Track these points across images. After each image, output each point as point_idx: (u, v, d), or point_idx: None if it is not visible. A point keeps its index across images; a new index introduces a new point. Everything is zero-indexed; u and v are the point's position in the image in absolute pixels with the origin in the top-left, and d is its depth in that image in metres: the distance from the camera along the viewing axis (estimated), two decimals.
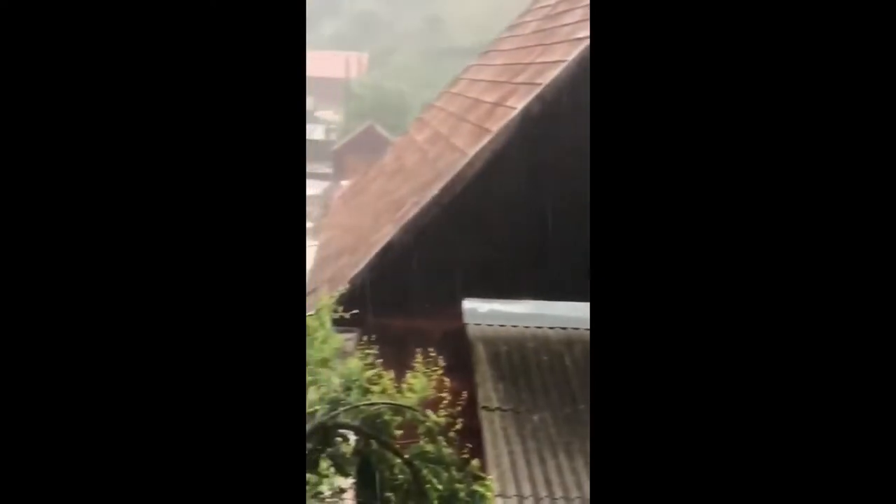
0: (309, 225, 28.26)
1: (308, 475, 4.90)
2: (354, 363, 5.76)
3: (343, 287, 6.53)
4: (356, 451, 5.62)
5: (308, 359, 5.36)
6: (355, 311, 5.94)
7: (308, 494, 4.93)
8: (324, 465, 5.00)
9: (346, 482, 5.43)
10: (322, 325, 5.58)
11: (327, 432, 5.49)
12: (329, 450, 5.51)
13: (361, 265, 7.39)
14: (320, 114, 57.00)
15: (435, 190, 7.44)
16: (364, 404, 5.57)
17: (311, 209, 33.69)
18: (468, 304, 7.31)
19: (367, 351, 5.90)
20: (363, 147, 36.66)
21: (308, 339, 5.43)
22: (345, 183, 22.98)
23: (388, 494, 5.37)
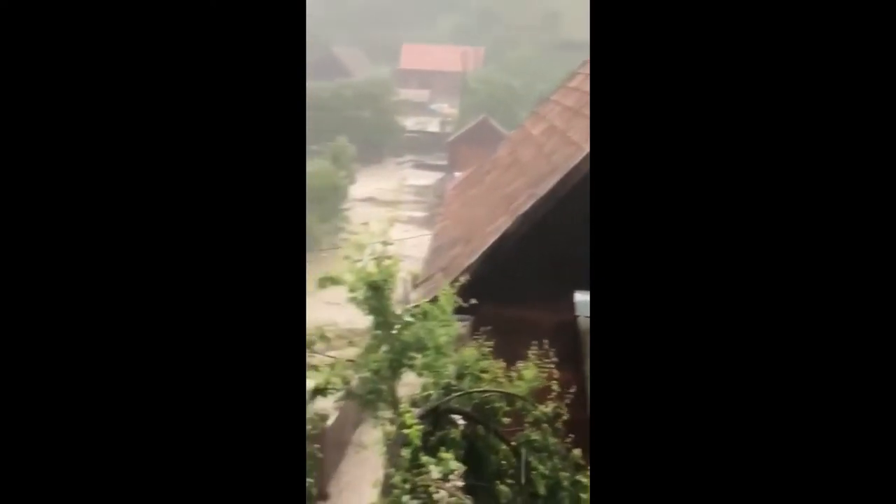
0: (422, 214, 28.62)
1: (423, 457, 4.99)
2: (469, 352, 5.81)
3: (461, 276, 6.59)
4: (464, 436, 5.69)
5: (427, 344, 5.46)
6: (472, 301, 5.98)
7: (419, 475, 5.02)
8: (443, 450, 5.08)
9: (454, 465, 5.51)
10: (442, 311, 5.65)
11: (439, 416, 5.57)
12: (439, 433, 5.59)
13: (476, 255, 7.43)
14: (436, 106, 57.47)
15: (550, 183, 7.41)
16: (476, 391, 5.62)
17: (424, 198, 34.08)
18: (580, 297, 7.25)
19: (480, 340, 5.96)
20: (477, 139, 36.76)
21: (428, 324, 5.53)
22: (458, 174, 23.20)
23: (499, 483, 5.42)
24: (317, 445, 6.14)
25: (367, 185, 32.28)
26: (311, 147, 37.88)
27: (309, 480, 6.52)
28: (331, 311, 17.35)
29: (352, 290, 5.60)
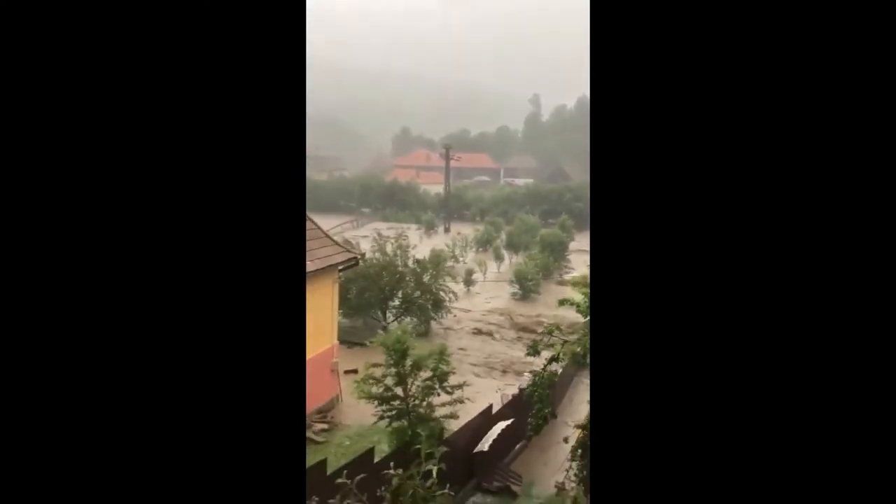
0: None
1: None
2: None
3: None
4: None
5: None
6: None
7: None
8: None
9: None
10: None
11: None
12: None
13: None
14: None
15: None
16: None
17: None
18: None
19: None
20: None
21: None
22: None
23: None
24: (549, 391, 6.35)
25: (581, 242, 31.93)
26: (548, 221, 38.39)
27: (545, 408, 6.75)
28: (554, 313, 17.34)
29: (578, 306, 5.83)
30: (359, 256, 13.43)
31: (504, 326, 17.94)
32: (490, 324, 18.09)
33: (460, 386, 8.55)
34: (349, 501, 2.88)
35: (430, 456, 3.42)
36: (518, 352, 15.21)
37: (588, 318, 5.82)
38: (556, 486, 6.40)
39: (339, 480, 2.87)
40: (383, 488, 3.11)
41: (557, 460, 8.67)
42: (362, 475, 2.95)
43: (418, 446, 3.44)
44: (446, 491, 3.04)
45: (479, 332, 17.27)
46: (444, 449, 3.13)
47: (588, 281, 5.90)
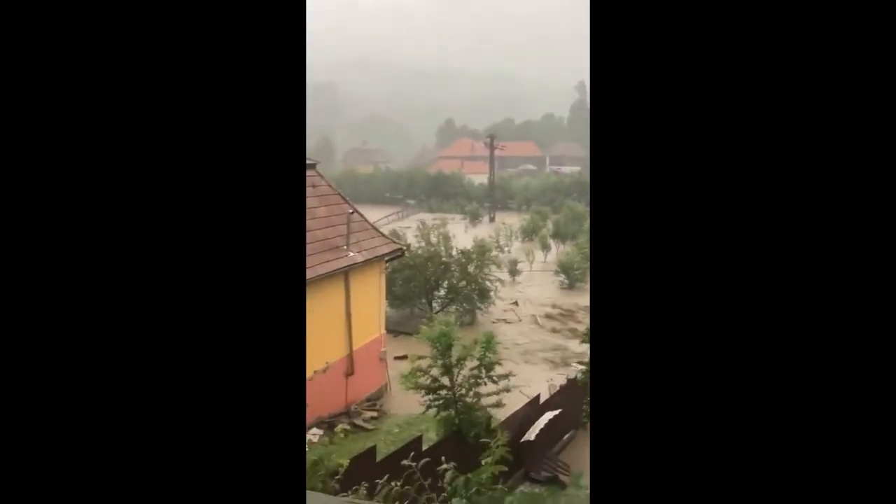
0: None
1: None
2: None
3: None
4: None
5: None
6: None
7: None
8: None
9: None
10: None
11: None
12: None
13: None
14: None
15: None
16: None
17: None
18: None
19: None
20: None
21: None
22: None
23: None
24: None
25: None
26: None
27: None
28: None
29: None
30: (404, 247, 13.54)
31: (551, 316, 17.73)
32: (535, 313, 17.92)
33: (506, 376, 8.50)
34: (398, 482, 2.91)
35: (496, 455, 3.37)
36: (563, 341, 14.99)
37: None
38: None
39: (404, 462, 2.90)
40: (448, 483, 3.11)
41: None
42: (426, 459, 2.97)
43: (495, 446, 3.40)
44: (518, 492, 3.01)
45: (525, 321, 17.14)
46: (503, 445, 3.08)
47: None
